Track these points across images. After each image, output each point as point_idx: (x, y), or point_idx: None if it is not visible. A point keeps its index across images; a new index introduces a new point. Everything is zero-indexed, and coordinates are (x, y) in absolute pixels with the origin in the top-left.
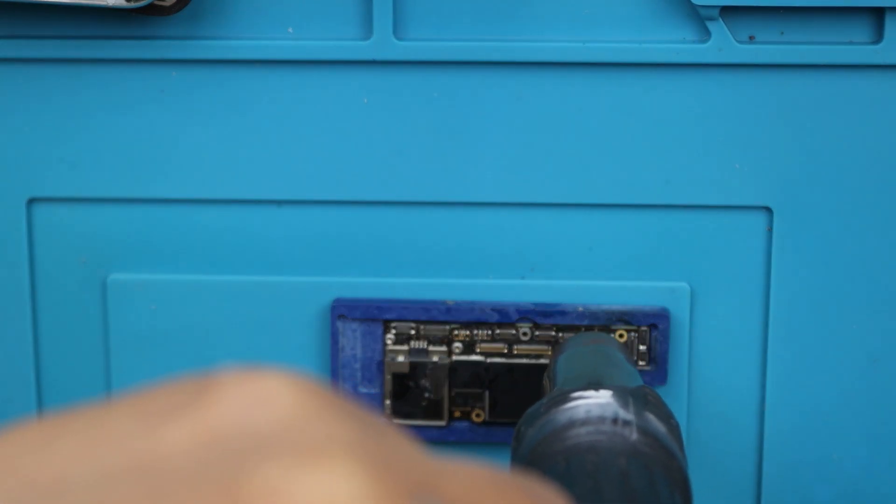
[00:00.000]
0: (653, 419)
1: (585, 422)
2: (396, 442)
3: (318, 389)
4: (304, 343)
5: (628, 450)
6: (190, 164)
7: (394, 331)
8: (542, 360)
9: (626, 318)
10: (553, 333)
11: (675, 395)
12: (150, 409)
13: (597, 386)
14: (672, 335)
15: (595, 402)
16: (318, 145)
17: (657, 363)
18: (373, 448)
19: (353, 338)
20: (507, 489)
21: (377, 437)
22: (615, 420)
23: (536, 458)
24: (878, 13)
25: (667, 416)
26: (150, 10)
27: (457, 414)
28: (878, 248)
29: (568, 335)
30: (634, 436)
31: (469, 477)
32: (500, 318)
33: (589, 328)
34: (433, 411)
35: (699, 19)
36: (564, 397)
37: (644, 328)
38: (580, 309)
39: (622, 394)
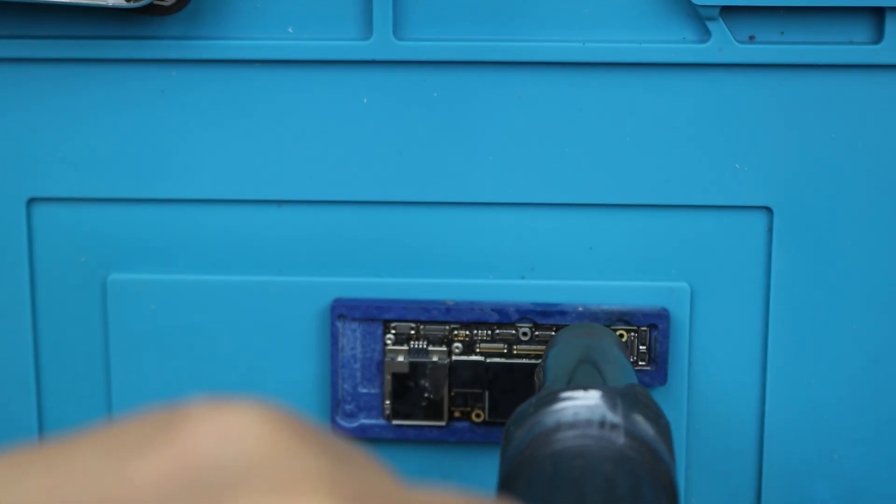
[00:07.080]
0: (641, 421)
1: (573, 425)
2: (369, 473)
3: (289, 421)
4: (304, 343)
5: (615, 455)
6: (190, 164)
7: (394, 331)
8: None
9: (625, 318)
10: (553, 333)
11: (675, 395)
12: (118, 444)
13: (586, 385)
14: (672, 335)
15: (583, 403)
16: (318, 145)
17: (657, 363)
18: (344, 481)
19: (353, 338)
20: None
21: (349, 469)
22: (602, 423)
23: (525, 462)
24: (878, 13)
25: (656, 416)
26: (150, 10)
27: (457, 414)
28: (878, 249)
29: None
30: (622, 440)
31: None
32: (500, 318)
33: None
34: (433, 411)
35: (699, 19)
36: (553, 397)
37: (644, 328)
38: (580, 309)
39: (611, 395)
